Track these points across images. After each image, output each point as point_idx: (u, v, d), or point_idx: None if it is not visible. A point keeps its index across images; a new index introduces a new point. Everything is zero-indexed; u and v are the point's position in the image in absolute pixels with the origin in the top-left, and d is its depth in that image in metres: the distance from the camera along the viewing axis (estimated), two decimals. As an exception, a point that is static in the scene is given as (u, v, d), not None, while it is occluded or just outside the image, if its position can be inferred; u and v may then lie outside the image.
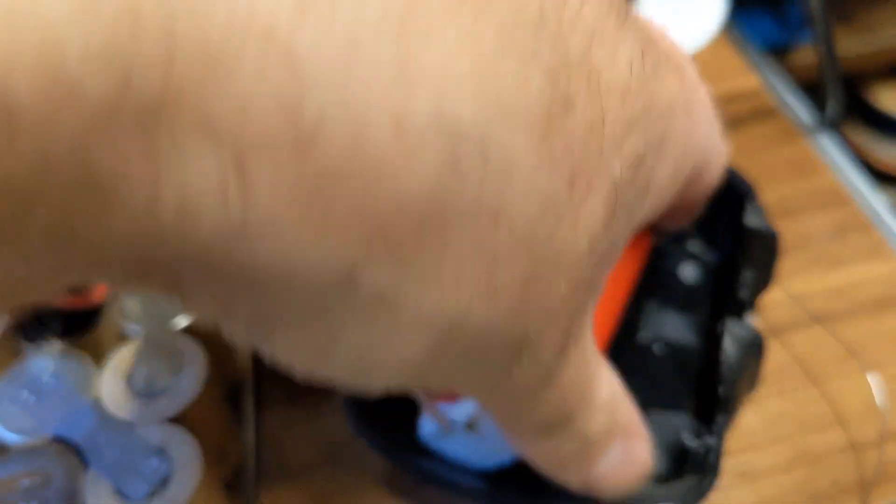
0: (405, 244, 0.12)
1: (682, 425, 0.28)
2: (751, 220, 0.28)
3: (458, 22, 0.12)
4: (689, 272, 0.32)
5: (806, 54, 0.76)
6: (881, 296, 0.34)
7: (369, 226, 0.11)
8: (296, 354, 0.14)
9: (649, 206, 0.17)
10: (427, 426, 0.25)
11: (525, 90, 0.12)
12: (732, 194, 0.30)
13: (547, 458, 0.20)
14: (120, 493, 0.24)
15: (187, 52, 0.09)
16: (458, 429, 0.24)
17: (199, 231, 0.11)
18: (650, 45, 0.16)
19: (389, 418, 0.27)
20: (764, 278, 0.28)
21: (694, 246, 0.33)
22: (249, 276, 0.12)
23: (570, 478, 0.20)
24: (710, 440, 0.25)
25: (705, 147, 0.19)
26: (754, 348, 0.26)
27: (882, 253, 0.36)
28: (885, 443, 0.29)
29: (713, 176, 0.21)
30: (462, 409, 0.24)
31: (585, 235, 0.14)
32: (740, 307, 0.27)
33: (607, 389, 0.19)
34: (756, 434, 0.30)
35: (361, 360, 0.14)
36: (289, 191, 0.11)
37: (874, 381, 0.30)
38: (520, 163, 0.13)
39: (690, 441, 0.25)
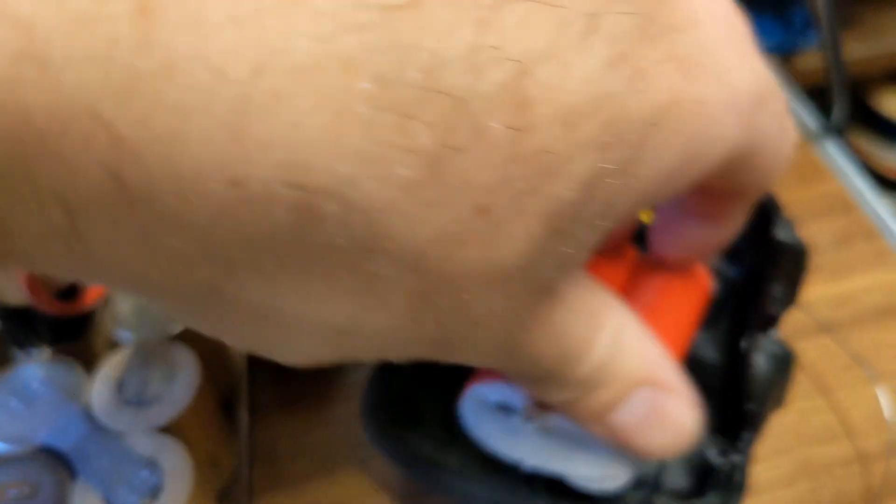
0: (263, 269, 0.13)
1: (704, 442, 0.27)
2: (781, 233, 0.28)
3: (319, 83, 0.11)
4: (712, 287, 0.31)
5: (809, 59, 0.75)
6: (887, 304, 0.34)
7: (217, 257, 0.12)
8: (206, 331, 0.15)
9: (634, 204, 0.16)
10: (468, 406, 0.24)
11: (403, 143, 0.12)
12: (758, 206, 0.30)
13: (554, 401, 0.19)
14: (109, 503, 0.24)
15: (14, 131, 0.11)
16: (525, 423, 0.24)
17: (53, 260, 0.12)
18: (637, 44, 0.14)
19: (408, 430, 0.26)
20: (791, 293, 0.27)
21: (714, 260, 0.32)
22: (115, 286, 0.13)
23: (591, 427, 0.20)
24: (736, 458, 0.24)
25: (736, 135, 0.18)
26: (784, 364, 0.25)
27: (887, 260, 0.36)
28: (892, 455, 0.28)
29: (770, 161, 0.20)
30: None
31: (513, 254, 0.14)
32: (768, 322, 0.26)
33: (609, 331, 0.19)
34: (758, 445, 0.29)
35: (264, 344, 0.15)
36: (123, 234, 0.12)
37: (881, 391, 0.30)
38: (394, 207, 0.12)
39: (715, 458, 0.24)
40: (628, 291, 0.28)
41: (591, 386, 0.19)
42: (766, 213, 0.29)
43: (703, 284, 0.28)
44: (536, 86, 0.13)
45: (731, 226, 0.23)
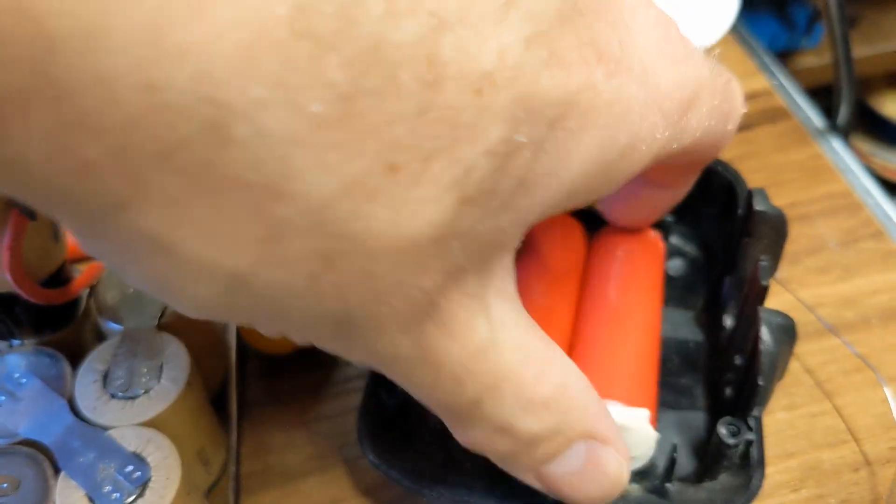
0: (169, 193, 0.13)
1: (702, 423, 0.26)
2: (759, 204, 0.27)
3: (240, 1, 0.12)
4: (676, 267, 0.32)
5: (810, 58, 0.75)
6: (895, 306, 0.33)
7: (128, 170, 0.12)
8: (104, 259, 0.15)
9: (557, 192, 0.16)
10: None
11: (316, 73, 0.12)
12: (718, 183, 0.30)
13: (486, 451, 0.19)
14: (92, 500, 0.23)
15: None
16: None
17: None
18: (556, 27, 0.15)
19: (407, 451, 0.26)
20: (775, 262, 0.27)
21: (676, 240, 0.32)
22: (24, 193, 0.13)
23: (522, 474, 0.20)
24: (749, 434, 0.23)
25: (666, 138, 0.19)
26: (788, 334, 0.25)
27: (894, 261, 0.35)
28: (900, 460, 0.28)
29: (714, 141, 0.21)
30: None
31: (423, 220, 0.14)
32: (763, 295, 0.26)
33: (553, 384, 0.18)
34: (764, 448, 0.28)
35: (158, 282, 0.14)
36: (44, 133, 0.12)
37: (890, 394, 0.29)
38: (304, 143, 0.12)
39: (728, 439, 0.23)
40: (591, 267, 0.28)
41: (535, 439, 0.18)
42: (732, 190, 0.30)
43: (656, 243, 0.29)
44: (449, 46, 0.13)
45: (683, 189, 0.25)
